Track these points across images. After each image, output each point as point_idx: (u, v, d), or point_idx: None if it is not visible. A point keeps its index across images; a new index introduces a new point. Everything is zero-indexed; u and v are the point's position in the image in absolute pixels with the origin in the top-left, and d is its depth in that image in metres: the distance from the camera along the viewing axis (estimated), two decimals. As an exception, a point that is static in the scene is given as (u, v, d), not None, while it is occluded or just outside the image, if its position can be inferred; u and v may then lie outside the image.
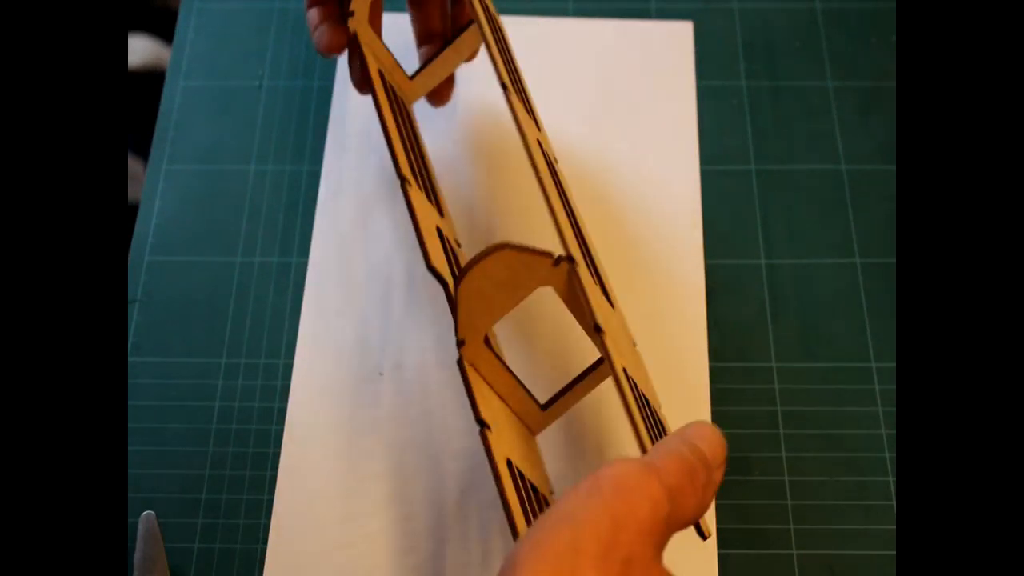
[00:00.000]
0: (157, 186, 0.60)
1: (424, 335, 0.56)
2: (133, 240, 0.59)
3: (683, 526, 0.35)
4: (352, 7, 0.53)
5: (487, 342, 0.47)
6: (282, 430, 0.53)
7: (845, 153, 0.61)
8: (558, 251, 0.44)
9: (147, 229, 0.59)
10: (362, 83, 0.56)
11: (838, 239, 0.59)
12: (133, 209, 0.60)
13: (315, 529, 0.51)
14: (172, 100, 0.63)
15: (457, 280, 0.44)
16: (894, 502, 0.52)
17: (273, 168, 0.61)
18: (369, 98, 0.62)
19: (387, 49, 0.55)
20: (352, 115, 0.62)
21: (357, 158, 0.61)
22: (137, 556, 0.49)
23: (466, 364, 0.47)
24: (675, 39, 0.65)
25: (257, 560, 0.51)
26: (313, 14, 0.54)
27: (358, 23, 0.54)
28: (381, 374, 0.55)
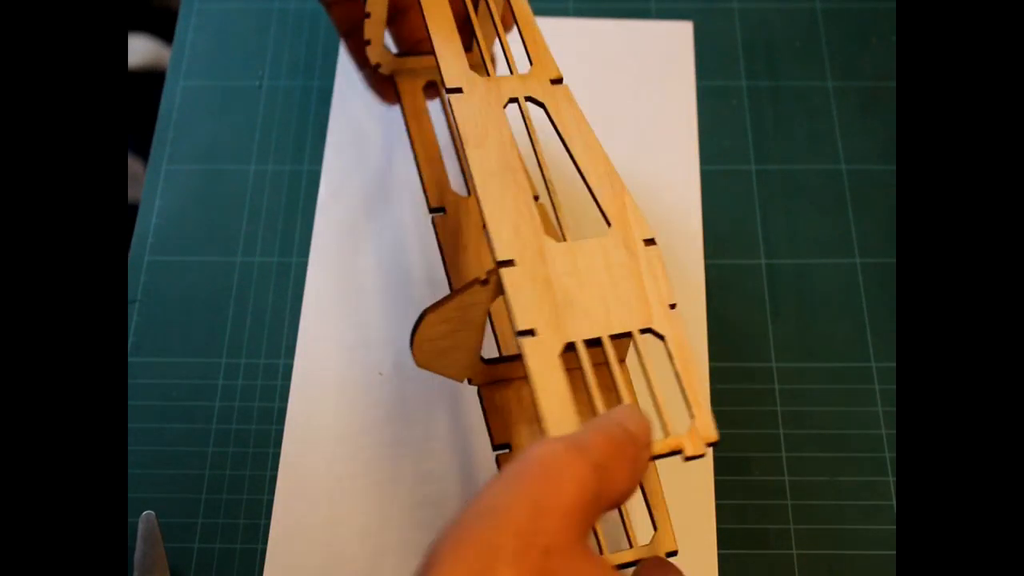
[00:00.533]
0: (157, 186, 0.60)
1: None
2: (133, 240, 0.59)
3: (615, 502, 0.35)
4: (368, 35, 0.53)
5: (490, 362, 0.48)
6: (282, 430, 0.53)
7: (845, 153, 0.61)
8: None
9: (147, 229, 0.59)
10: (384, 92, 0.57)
11: (838, 239, 0.59)
12: (133, 209, 0.60)
13: (315, 529, 0.51)
14: (172, 100, 0.63)
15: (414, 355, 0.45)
16: (894, 502, 0.52)
17: (273, 168, 0.61)
18: (368, 97, 0.62)
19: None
20: (352, 115, 0.62)
21: (357, 158, 0.61)
22: (137, 556, 0.49)
23: (483, 392, 0.49)
24: (675, 39, 0.65)
25: (257, 560, 0.51)
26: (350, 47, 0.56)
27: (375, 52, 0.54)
28: (381, 374, 0.55)
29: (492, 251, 0.41)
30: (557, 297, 0.41)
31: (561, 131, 0.46)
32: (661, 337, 0.41)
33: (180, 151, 0.61)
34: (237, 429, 0.54)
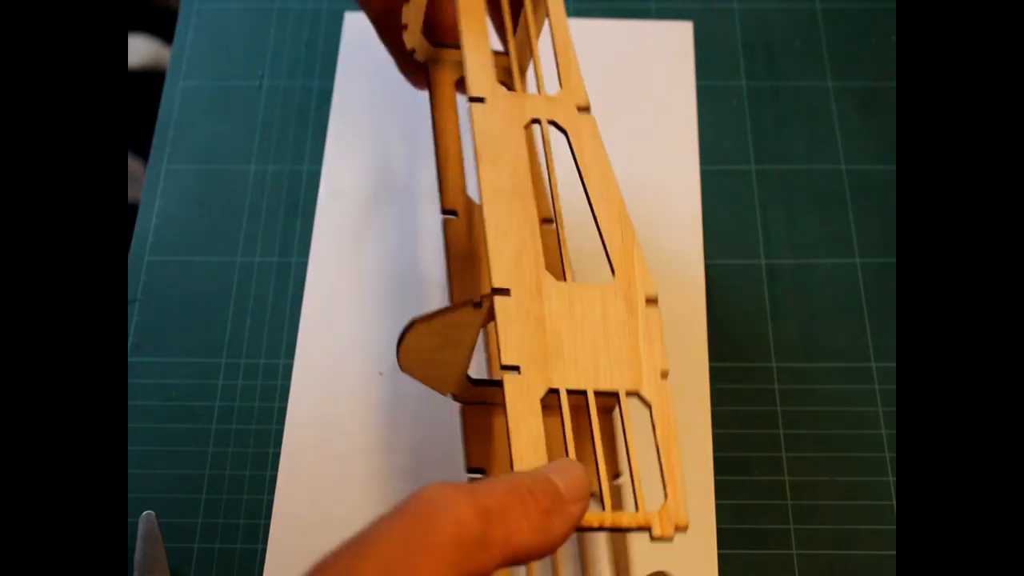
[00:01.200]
0: (157, 186, 0.60)
1: (424, 335, 0.56)
2: (133, 240, 0.59)
3: (516, 555, 0.34)
4: (406, 20, 0.52)
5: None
6: (282, 430, 0.53)
7: (845, 153, 0.61)
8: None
9: (147, 229, 0.59)
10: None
11: (838, 239, 0.59)
12: (133, 209, 0.60)
13: (315, 529, 0.51)
14: (172, 100, 0.63)
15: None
16: (894, 502, 0.52)
17: (273, 168, 0.61)
18: (368, 97, 0.62)
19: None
20: (352, 115, 0.62)
21: (357, 158, 0.61)
22: (137, 556, 0.49)
23: (465, 412, 0.47)
24: (675, 39, 0.65)
25: (257, 560, 0.51)
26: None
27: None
28: (381, 374, 0.55)
29: (490, 276, 0.40)
30: (548, 338, 0.40)
31: (580, 166, 0.44)
32: (648, 405, 0.39)
33: (180, 151, 0.61)
34: (237, 429, 0.54)
